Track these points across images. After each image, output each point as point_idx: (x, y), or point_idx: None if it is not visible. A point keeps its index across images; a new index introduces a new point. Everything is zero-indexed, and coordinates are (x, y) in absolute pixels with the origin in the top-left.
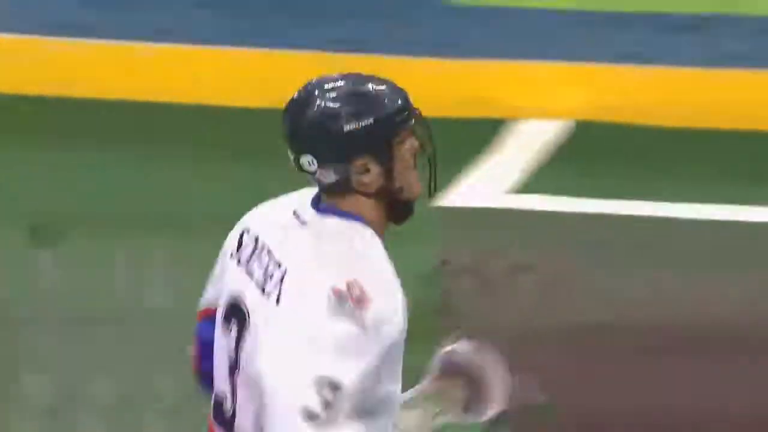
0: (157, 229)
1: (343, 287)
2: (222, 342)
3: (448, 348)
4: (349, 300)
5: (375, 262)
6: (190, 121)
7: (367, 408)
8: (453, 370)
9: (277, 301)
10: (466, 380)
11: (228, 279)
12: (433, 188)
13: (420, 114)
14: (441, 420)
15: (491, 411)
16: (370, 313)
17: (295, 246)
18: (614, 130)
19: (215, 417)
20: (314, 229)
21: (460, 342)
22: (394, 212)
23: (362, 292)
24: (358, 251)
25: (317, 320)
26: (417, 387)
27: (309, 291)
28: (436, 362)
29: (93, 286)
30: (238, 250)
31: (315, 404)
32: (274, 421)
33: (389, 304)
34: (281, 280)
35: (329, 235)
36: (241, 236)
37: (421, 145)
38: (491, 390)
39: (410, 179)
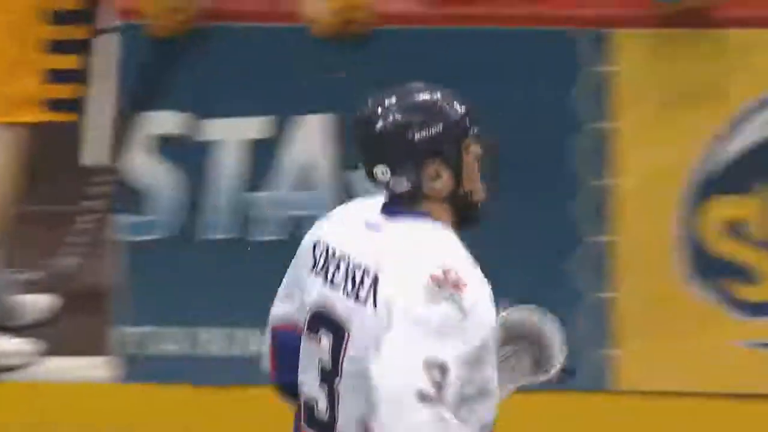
0: None
1: (439, 273)
2: (309, 351)
3: (504, 313)
4: (448, 285)
5: (460, 251)
6: None
7: (470, 394)
8: (511, 335)
9: (375, 304)
10: (524, 343)
11: (308, 291)
12: (497, 190)
13: (479, 118)
14: (512, 385)
15: (557, 366)
16: (468, 296)
17: (379, 251)
18: None
19: (308, 422)
20: (392, 232)
21: (512, 308)
22: (462, 216)
23: (458, 276)
24: (442, 242)
25: (418, 307)
26: None
27: (406, 285)
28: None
29: None
30: (315, 264)
31: (427, 386)
32: (388, 407)
33: (482, 288)
34: (373, 285)
35: (410, 234)
36: (314, 249)
37: (483, 151)
38: (553, 346)
39: (476, 183)
